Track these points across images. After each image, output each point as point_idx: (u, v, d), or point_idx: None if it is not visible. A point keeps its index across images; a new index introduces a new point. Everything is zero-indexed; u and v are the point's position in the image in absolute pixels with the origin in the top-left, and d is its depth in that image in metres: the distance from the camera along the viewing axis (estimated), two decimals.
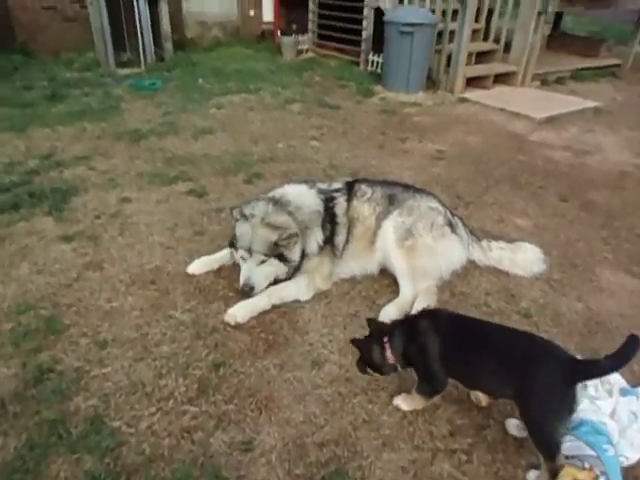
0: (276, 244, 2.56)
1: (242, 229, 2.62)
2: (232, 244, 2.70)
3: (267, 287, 2.65)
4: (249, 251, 2.58)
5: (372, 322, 2.13)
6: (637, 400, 2.12)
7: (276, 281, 2.69)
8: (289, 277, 2.69)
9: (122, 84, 6.45)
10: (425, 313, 2.08)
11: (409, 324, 2.02)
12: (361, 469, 1.84)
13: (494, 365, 1.86)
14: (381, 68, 7.27)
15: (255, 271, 2.59)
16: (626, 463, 1.90)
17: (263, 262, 2.60)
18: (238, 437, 1.94)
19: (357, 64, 7.90)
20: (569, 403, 1.74)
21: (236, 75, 7.08)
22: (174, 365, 2.25)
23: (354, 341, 2.08)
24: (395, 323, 2.06)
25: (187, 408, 2.05)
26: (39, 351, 2.28)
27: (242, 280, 2.60)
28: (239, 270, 2.71)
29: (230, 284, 2.77)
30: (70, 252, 3.03)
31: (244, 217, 2.63)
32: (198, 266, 2.87)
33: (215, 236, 3.25)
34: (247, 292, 2.57)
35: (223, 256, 2.91)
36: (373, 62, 7.56)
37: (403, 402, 2.08)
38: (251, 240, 2.57)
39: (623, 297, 2.91)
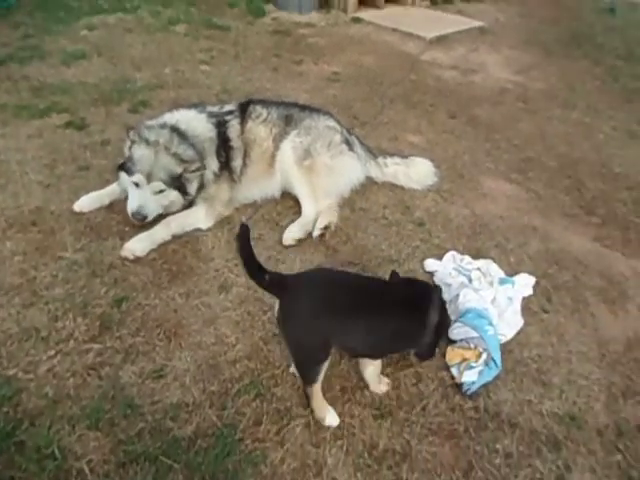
0: (179, 177, 2.44)
1: (142, 152, 2.43)
2: (124, 167, 2.49)
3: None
4: (148, 177, 2.41)
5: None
6: (512, 287, 2.42)
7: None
8: (184, 208, 2.59)
9: None
10: None
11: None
12: (274, 377, 1.93)
13: None
14: None
15: (150, 199, 2.44)
16: (504, 340, 2.18)
17: (161, 192, 2.45)
18: (148, 366, 1.92)
19: None
20: None
21: None
22: (70, 306, 2.12)
23: None
24: None
25: (90, 346, 1.97)
26: None
27: (134, 207, 2.43)
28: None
29: (125, 219, 2.60)
30: None
31: (145, 141, 2.43)
32: (86, 202, 2.65)
33: (102, 170, 3.00)
34: (138, 220, 2.43)
35: (114, 190, 2.70)
36: None
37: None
38: (152, 166, 2.41)
39: (503, 201, 3.21)
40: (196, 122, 2.66)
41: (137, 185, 2.44)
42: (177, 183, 2.46)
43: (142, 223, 2.46)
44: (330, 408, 1.81)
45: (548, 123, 4.39)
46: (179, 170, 2.44)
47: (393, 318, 1.75)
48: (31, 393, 1.78)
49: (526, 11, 8.03)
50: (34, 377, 1.83)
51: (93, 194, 2.70)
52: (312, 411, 1.80)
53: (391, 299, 1.80)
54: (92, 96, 3.89)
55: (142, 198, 2.43)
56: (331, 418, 1.79)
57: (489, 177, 3.46)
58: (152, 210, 2.45)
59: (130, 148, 2.46)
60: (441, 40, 6.25)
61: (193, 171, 2.49)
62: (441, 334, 1.90)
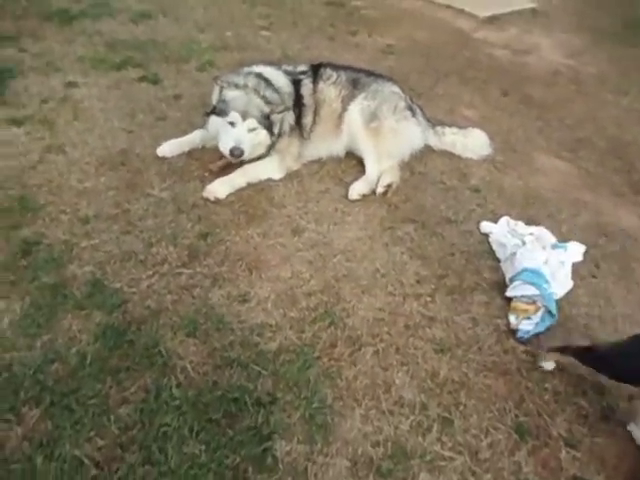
0: (268, 117, 2.62)
1: (234, 94, 2.61)
2: (215, 111, 2.67)
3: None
4: (243, 115, 2.58)
5: None
6: (564, 252, 2.56)
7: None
8: (264, 156, 2.78)
9: None
10: None
11: None
12: (345, 310, 2.14)
13: None
14: None
15: (245, 136, 2.59)
16: (556, 297, 2.34)
17: (254, 130, 2.62)
18: (234, 292, 2.15)
19: None
20: None
21: None
22: (162, 236, 2.35)
23: None
24: None
25: (182, 270, 2.20)
26: (18, 228, 2.28)
27: (231, 144, 2.57)
28: (212, 151, 2.77)
29: (204, 165, 2.82)
30: (24, 136, 2.88)
31: (234, 85, 2.62)
32: (168, 148, 2.87)
33: (178, 121, 3.21)
34: (236, 156, 2.58)
35: (194, 139, 2.91)
36: None
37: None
38: (246, 105, 2.59)
39: (554, 176, 3.33)
40: (276, 75, 2.84)
41: (232, 124, 2.59)
42: (267, 123, 2.64)
43: (238, 160, 2.62)
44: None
45: (600, 106, 4.42)
46: (267, 110, 2.62)
47: None
48: (135, 304, 2.03)
49: None
50: (137, 291, 2.08)
51: (174, 141, 2.91)
52: None
53: None
54: (162, 53, 4.09)
55: (238, 135, 2.58)
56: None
57: (541, 153, 3.56)
58: (247, 147, 2.59)
59: (220, 93, 2.65)
60: (493, 19, 6.22)
61: (280, 112, 2.67)
62: None
